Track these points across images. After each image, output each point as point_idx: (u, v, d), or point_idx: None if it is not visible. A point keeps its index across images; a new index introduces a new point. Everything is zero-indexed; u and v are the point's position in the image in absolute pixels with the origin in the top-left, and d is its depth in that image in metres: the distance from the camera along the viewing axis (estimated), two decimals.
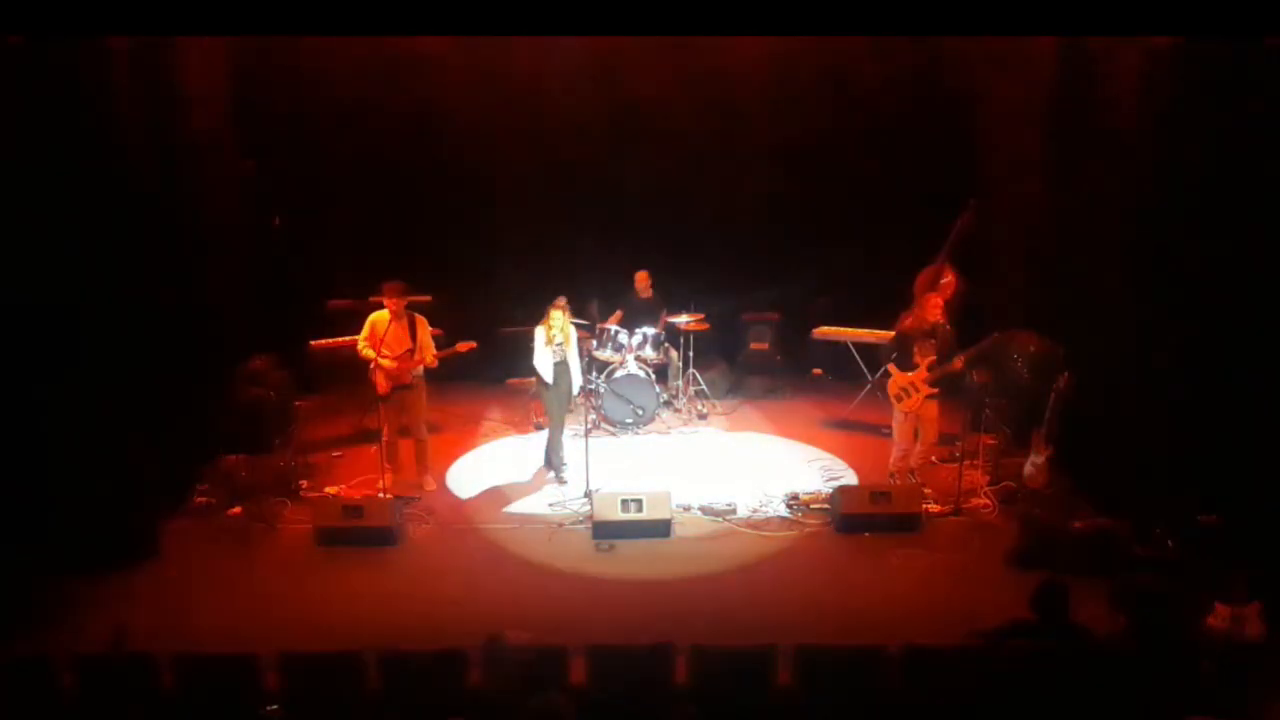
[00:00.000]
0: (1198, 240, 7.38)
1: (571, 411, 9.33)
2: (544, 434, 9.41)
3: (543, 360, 8.83)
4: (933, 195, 10.30)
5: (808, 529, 8.24)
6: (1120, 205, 8.10)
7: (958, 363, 8.32)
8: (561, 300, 8.83)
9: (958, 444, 8.72)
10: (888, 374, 8.78)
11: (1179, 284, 7.59)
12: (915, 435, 8.65)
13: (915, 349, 8.51)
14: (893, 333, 9.21)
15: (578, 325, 9.98)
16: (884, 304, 9.93)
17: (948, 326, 8.61)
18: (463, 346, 8.81)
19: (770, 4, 7.14)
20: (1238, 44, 6.79)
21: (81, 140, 7.45)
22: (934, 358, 8.38)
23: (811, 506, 8.49)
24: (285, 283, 10.65)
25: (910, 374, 8.50)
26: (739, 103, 10.85)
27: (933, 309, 8.64)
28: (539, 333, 8.84)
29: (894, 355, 8.71)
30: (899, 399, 8.56)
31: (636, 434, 10.10)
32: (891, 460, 8.83)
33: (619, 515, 8.06)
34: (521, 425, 10.34)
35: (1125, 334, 8.10)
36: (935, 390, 8.44)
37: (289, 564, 7.85)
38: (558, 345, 8.82)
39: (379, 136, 10.80)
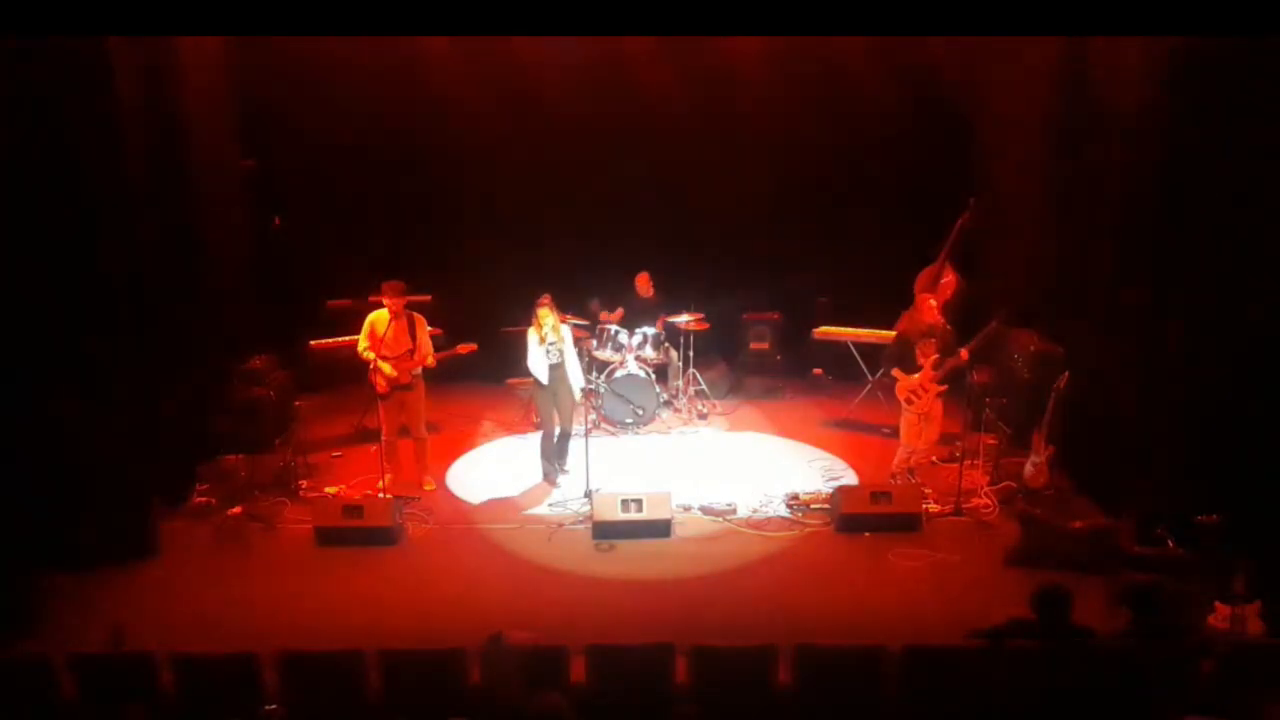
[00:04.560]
0: (1198, 240, 7.39)
1: (571, 416, 9.26)
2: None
3: (537, 362, 8.76)
4: (932, 195, 10.31)
5: (808, 529, 8.24)
6: (1120, 205, 8.10)
7: (963, 354, 8.32)
8: (546, 298, 8.71)
9: (958, 444, 8.72)
10: (889, 375, 8.78)
11: (1179, 283, 7.59)
12: (921, 436, 8.66)
13: (916, 350, 8.51)
14: (893, 333, 9.22)
15: (577, 325, 9.99)
16: (884, 304, 9.94)
17: (945, 324, 8.62)
18: (463, 348, 8.80)
19: (770, 4, 7.14)
20: (1238, 44, 6.78)
21: (82, 140, 7.44)
22: (936, 356, 8.39)
23: (811, 506, 8.48)
24: (285, 283, 10.65)
25: (916, 376, 8.50)
26: (739, 102, 10.85)
27: (928, 310, 8.66)
28: (531, 334, 8.78)
29: (896, 360, 8.70)
30: (909, 402, 8.55)
31: (636, 434, 10.10)
32: (896, 460, 8.83)
33: (619, 515, 8.05)
34: (521, 425, 10.33)
35: (1125, 333, 8.10)
36: (944, 388, 8.45)
37: (289, 564, 7.84)
38: (551, 345, 8.75)
39: (379, 136, 10.81)
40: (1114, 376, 8.20)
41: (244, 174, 10.21)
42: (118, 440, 7.77)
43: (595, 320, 10.44)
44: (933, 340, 8.45)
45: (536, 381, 8.85)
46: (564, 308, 9.13)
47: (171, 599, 7.29)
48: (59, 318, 7.43)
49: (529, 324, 8.80)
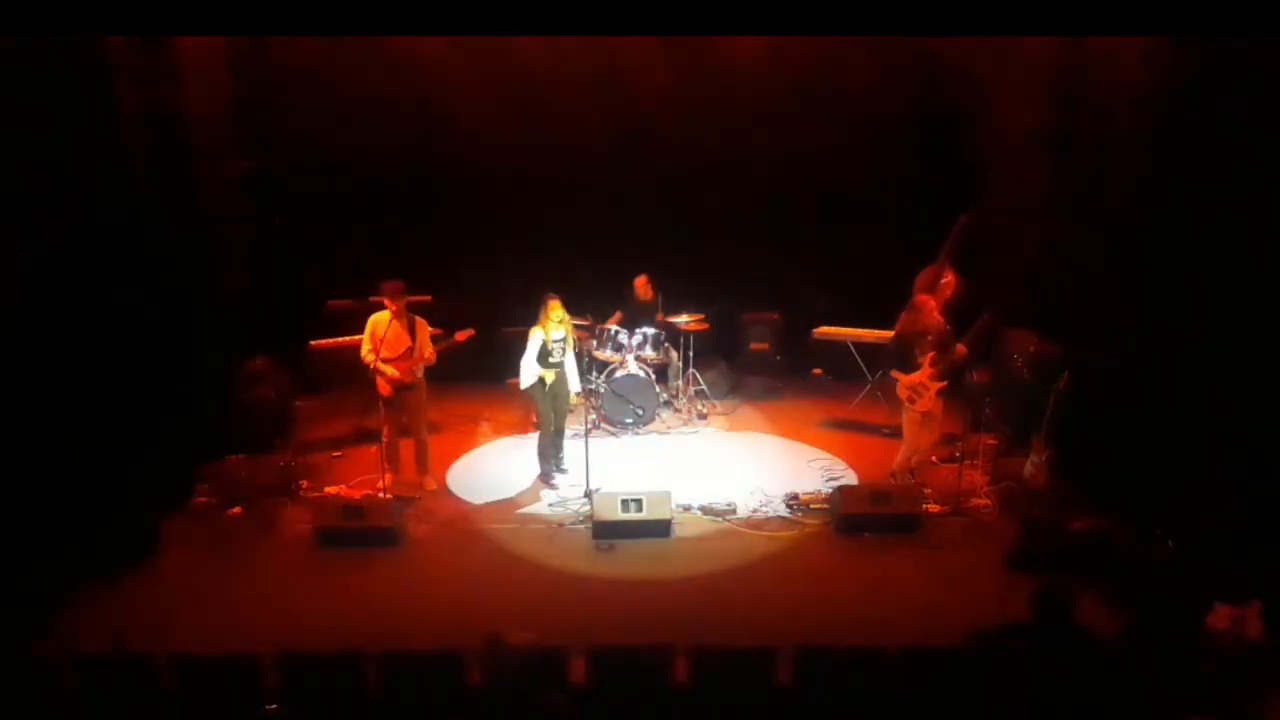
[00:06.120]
0: (1198, 240, 7.39)
1: (572, 412, 9.27)
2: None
3: (530, 364, 8.72)
4: (933, 195, 10.30)
5: (808, 529, 8.24)
6: (1120, 205, 8.10)
7: (960, 350, 8.33)
8: (556, 297, 8.71)
9: (958, 444, 8.73)
10: (888, 376, 8.78)
11: (1179, 284, 7.59)
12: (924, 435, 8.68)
13: (915, 349, 8.52)
14: (892, 333, 9.22)
15: (577, 326, 9.98)
16: (884, 304, 9.93)
17: (944, 323, 8.62)
18: (461, 335, 8.79)
19: (770, 4, 7.15)
20: (1237, 44, 6.79)
21: (82, 140, 7.45)
22: (934, 353, 8.40)
23: (811, 506, 8.49)
24: (285, 283, 10.65)
25: (915, 374, 8.51)
26: (739, 102, 10.84)
27: (928, 310, 8.66)
28: (533, 333, 8.74)
29: (895, 360, 8.71)
30: (911, 400, 8.55)
31: (636, 434, 10.11)
32: (897, 460, 8.84)
33: (619, 515, 8.05)
34: (521, 425, 10.33)
35: (1125, 334, 8.11)
36: (944, 384, 8.46)
37: (289, 564, 7.85)
38: (556, 342, 8.74)
39: (379, 136, 10.78)
40: (1114, 377, 8.20)
41: (244, 174, 10.21)
42: (118, 440, 7.77)
43: (596, 324, 10.37)
44: (930, 339, 8.45)
45: (538, 380, 8.80)
46: (568, 307, 9.12)
47: (171, 599, 7.29)
48: (58, 318, 7.42)
49: (532, 323, 8.78)
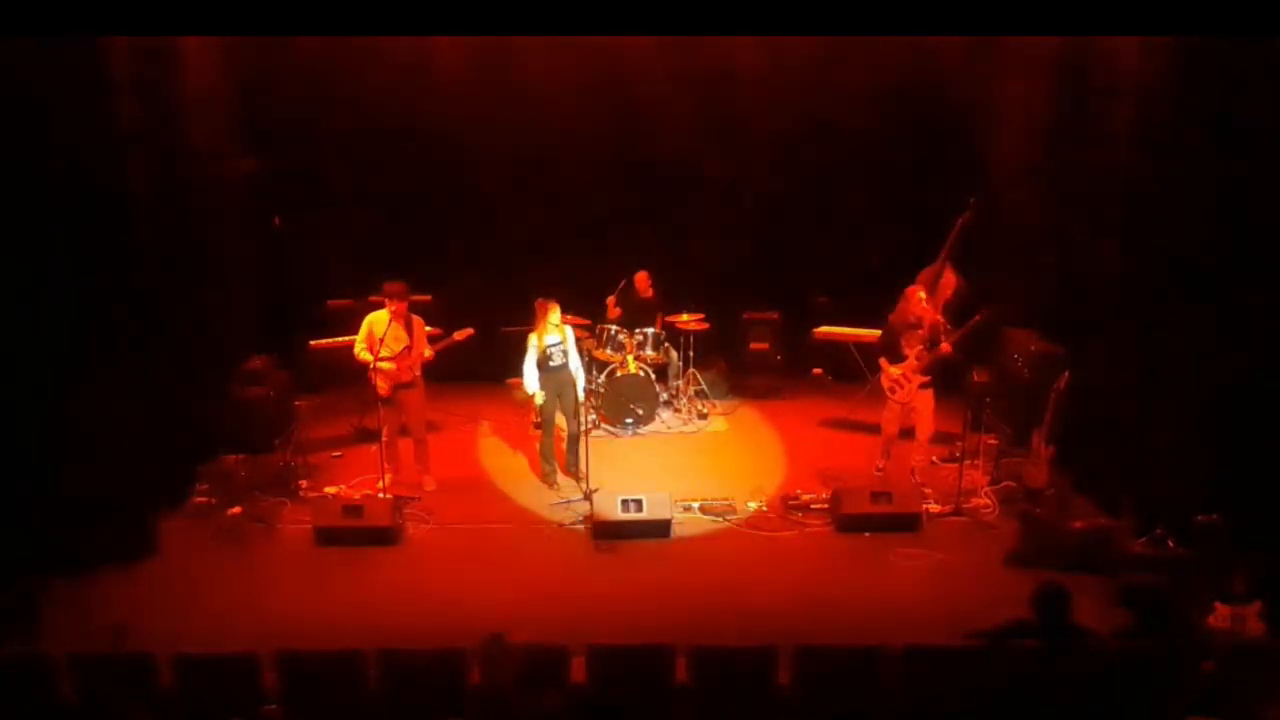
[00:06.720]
0: (1198, 240, 7.38)
1: (577, 416, 9.21)
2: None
3: (530, 369, 8.70)
4: (933, 194, 10.30)
5: (808, 529, 8.24)
6: (1121, 204, 8.10)
7: (946, 346, 8.36)
8: (554, 301, 8.69)
9: (958, 443, 8.73)
10: (878, 366, 8.82)
11: (1179, 283, 7.58)
12: (901, 430, 8.74)
13: (901, 341, 8.55)
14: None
15: (577, 326, 9.97)
16: (884, 304, 9.92)
17: (938, 320, 8.63)
18: (460, 335, 8.78)
19: (770, 4, 7.14)
20: (1238, 44, 6.78)
21: (82, 140, 7.44)
22: (921, 347, 8.42)
23: (812, 506, 8.49)
24: (285, 283, 10.64)
25: (900, 366, 8.54)
26: (738, 102, 10.84)
27: (915, 301, 8.67)
28: (531, 339, 8.73)
29: (884, 350, 8.75)
30: (892, 391, 8.64)
31: (636, 434, 10.10)
32: (879, 452, 8.89)
33: (619, 515, 8.05)
34: (521, 425, 10.32)
35: (1125, 333, 8.10)
36: (927, 379, 8.48)
37: (289, 564, 7.85)
38: (553, 346, 8.70)
39: (379, 136, 10.78)
40: (1114, 376, 8.20)
41: (244, 173, 10.20)
42: (118, 440, 7.77)
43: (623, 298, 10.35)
44: (919, 331, 8.48)
45: (537, 390, 8.76)
46: (568, 307, 9.11)
47: (171, 599, 7.29)
48: (58, 319, 7.41)
49: (530, 325, 8.78)
